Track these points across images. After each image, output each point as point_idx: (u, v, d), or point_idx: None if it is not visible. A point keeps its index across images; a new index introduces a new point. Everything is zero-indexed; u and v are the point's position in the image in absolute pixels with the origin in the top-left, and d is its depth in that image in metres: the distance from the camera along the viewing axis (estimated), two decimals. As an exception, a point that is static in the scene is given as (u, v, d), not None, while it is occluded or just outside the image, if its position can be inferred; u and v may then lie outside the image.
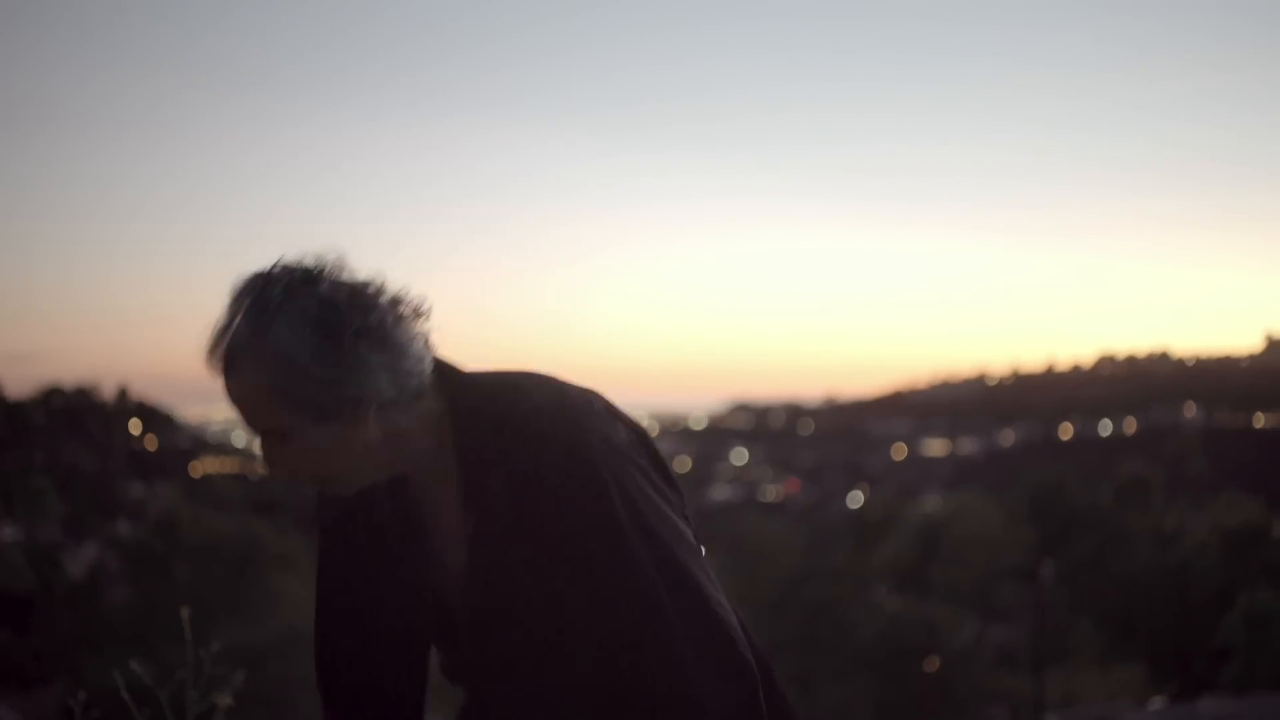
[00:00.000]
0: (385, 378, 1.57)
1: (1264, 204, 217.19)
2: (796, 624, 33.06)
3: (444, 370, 1.70)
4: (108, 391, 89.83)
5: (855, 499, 77.14)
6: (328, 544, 1.85)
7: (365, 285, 1.59)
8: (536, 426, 1.63)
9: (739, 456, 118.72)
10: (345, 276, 1.59)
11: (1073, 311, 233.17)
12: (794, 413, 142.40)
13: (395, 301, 1.60)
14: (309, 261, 1.59)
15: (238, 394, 1.57)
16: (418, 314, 1.63)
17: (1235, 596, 27.22)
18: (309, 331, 1.53)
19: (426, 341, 1.64)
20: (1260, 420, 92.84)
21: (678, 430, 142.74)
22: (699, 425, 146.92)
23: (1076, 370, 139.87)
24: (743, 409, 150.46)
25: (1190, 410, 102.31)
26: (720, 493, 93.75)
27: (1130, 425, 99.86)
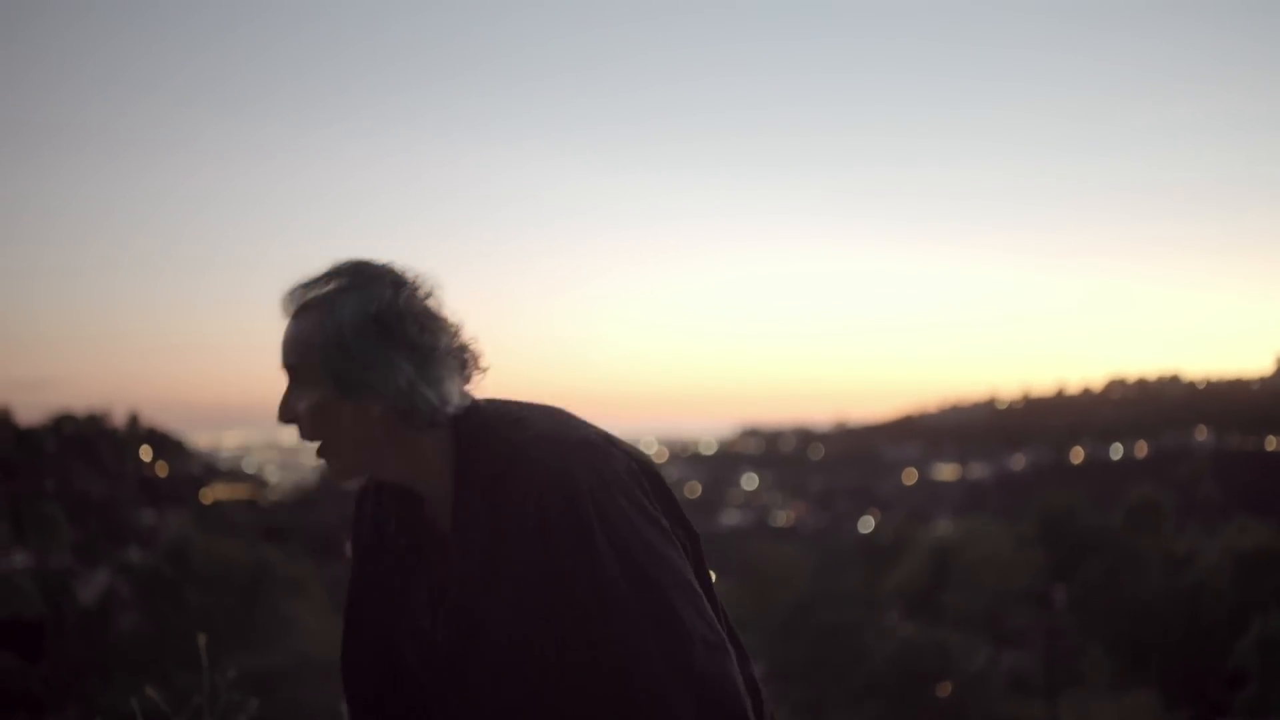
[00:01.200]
0: (405, 387, 1.69)
1: (1276, 227, 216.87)
2: (808, 649, 33.01)
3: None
4: (118, 418, 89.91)
5: (866, 523, 76.96)
6: (358, 563, 1.98)
7: (442, 315, 1.74)
8: (528, 454, 1.71)
9: (749, 481, 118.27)
10: (430, 301, 1.74)
11: (1083, 334, 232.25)
12: (804, 437, 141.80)
13: (459, 344, 1.75)
14: (410, 275, 1.75)
15: (288, 335, 1.75)
16: (470, 363, 1.77)
17: (1248, 621, 27.10)
18: (366, 318, 1.69)
19: (462, 387, 1.76)
20: (1272, 443, 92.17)
21: (688, 455, 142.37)
22: (709, 450, 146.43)
23: (1087, 393, 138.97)
24: (753, 434, 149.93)
25: (1201, 433, 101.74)
26: (731, 518, 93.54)
27: (1141, 449, 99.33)
